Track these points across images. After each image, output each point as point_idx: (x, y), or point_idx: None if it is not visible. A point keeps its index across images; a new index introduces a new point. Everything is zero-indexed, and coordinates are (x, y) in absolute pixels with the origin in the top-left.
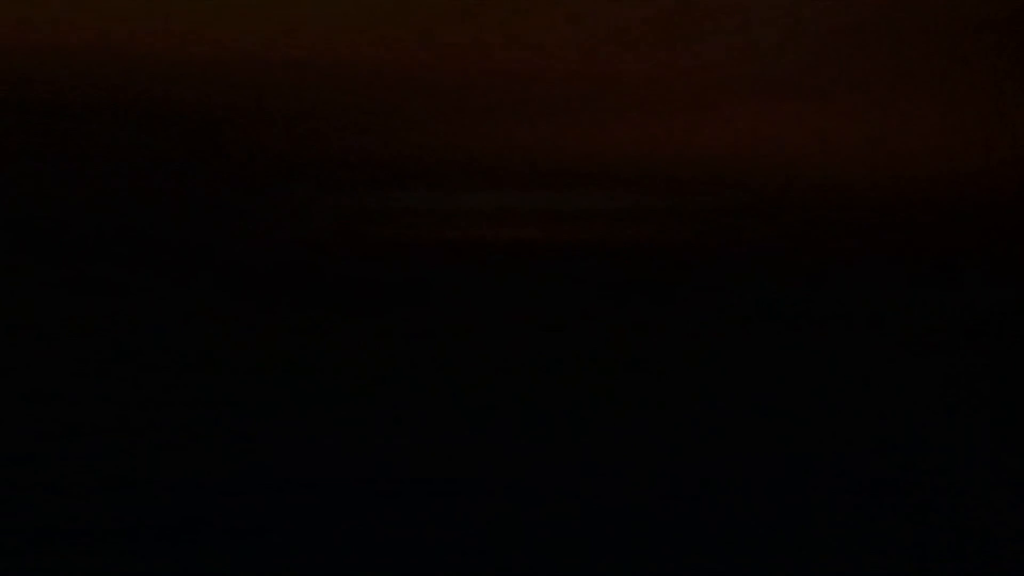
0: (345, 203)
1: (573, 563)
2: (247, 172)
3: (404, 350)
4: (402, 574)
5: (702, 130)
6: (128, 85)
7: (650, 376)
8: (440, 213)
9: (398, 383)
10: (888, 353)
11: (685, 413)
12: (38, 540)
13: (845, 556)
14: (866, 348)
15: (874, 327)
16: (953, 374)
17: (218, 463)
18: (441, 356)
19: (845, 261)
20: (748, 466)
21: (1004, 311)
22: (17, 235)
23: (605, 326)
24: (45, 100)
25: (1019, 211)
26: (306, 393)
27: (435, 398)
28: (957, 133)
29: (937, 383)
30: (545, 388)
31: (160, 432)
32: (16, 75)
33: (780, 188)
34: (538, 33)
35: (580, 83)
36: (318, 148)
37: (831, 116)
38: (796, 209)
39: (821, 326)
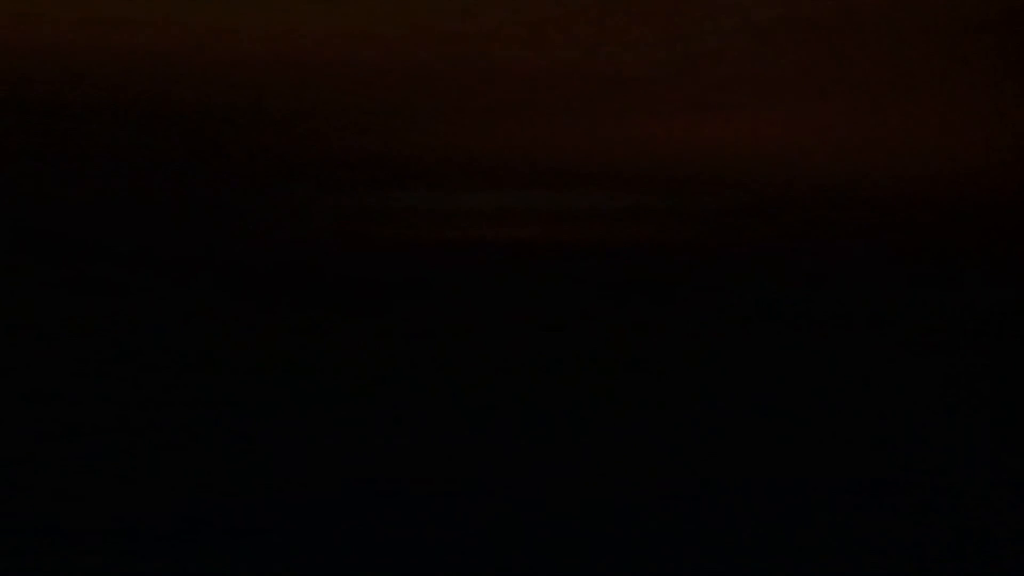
0: (345, 203)
1: (573, 563)
2: (247, 172)
3: (404, 350)
4: (402, 574)
5: (702, 130)
6: (128, 85)
7: (650, 376)
8: (440, 213)
9: (398, 383)
10: (888, 353)
11: (685, 413)
12: (38, 540)
13: (845, 556)
14: (866, 348)
15: (874, 327)
16: (953, 374)
17: (218, 463)
18: (441, 356)
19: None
20: (748, 466)
21: (1004, 311)
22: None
23: (605, 326)
24: (45, 100)
25: (1019, 211)
26: (306, 393)
27: (435, 398)
28: (958, 133)
29: (937, 383)
30: (545, 388)
31: (160, 432)
32: (16, 75)
33: (780, 188)
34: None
35: (580, 83)
36: (318, 148)
37: (831, 116)
38: (796, 209)
39: (821, 326)
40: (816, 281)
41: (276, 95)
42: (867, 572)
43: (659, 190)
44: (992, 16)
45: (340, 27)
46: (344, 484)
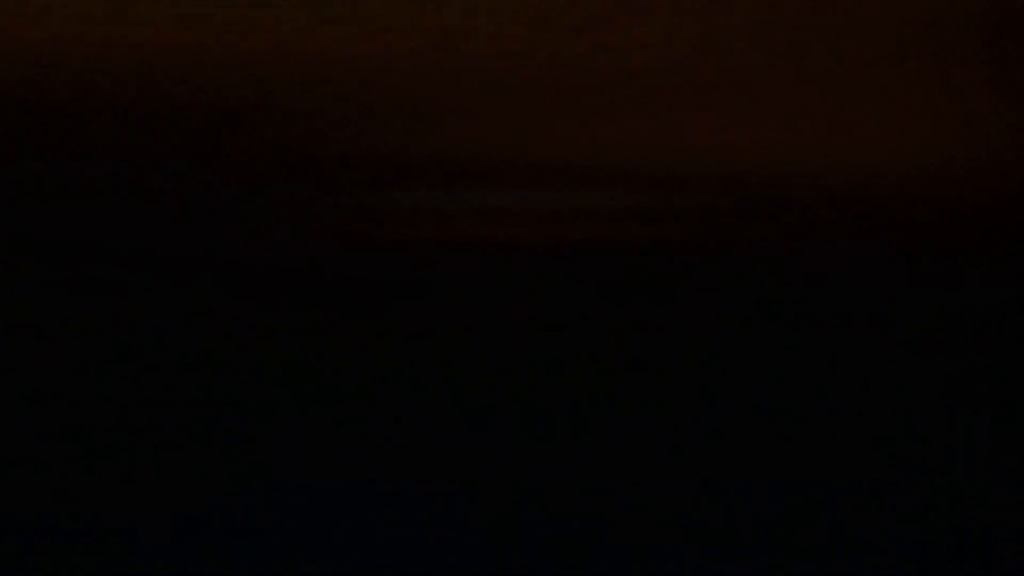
0: (345, 203)
1: (573, 563)
2: (247, 171)
3: (404, 350)
4: (402, 574)
5: (702, 130)
6: (128, 85)
7: (650, 376)
8: (440, 213)
9: (398, 383)
10: (888, 353)
11: (685, 412)
12: (38, 540)
13: (845, 556)
14: (866, 348)
15: (874, 327)
16: (953, 374)
17: (218, 463)
18: (441, 356)
19: (845, 261)
20: (748, 465)
21: (1004, 311)
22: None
23: (605, 326)
24: (45, 100)
25: (1019, 211)
26: (306, 393)
27: (435, 398)
28: (958, 133)
29: (937, 383)
30: (545, 388)
31: (160, 432)
32: (16, 75)
33: (780, 188)
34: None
35: (580, 83)
36: (318, 148)
37: (831, 116)
38: (796, 209)
39: (821, 326)
40: (816, 281)
41: (277, 94)
42: (867, 572)
43: (659, 190)
44: (993, 15)
45: (340, 25)
46: (344, 484)
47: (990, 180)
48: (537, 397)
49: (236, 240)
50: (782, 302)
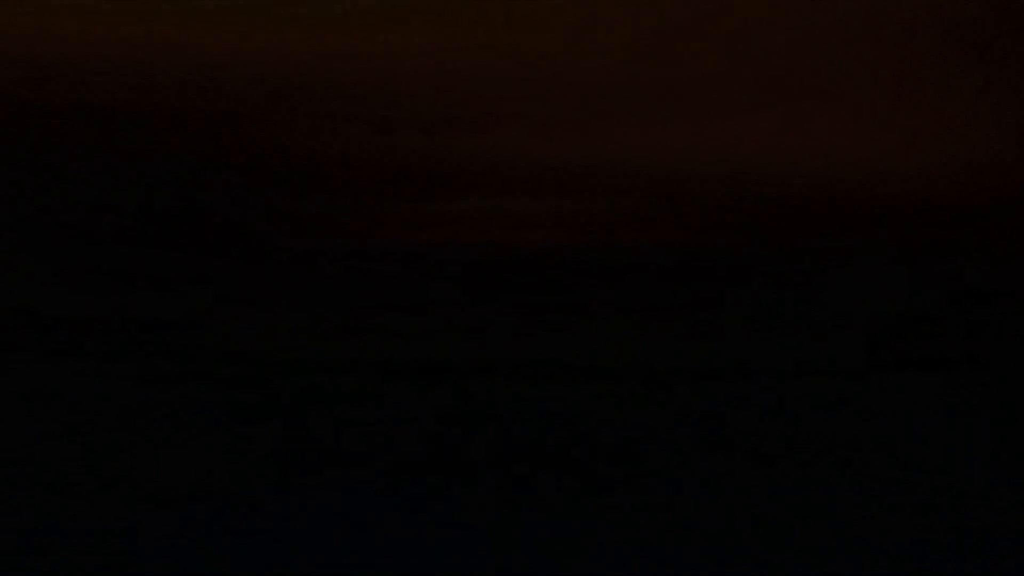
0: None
1: (573, 563)
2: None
3: (404, 350)
4: (402, 574)
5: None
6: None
7: (650, 375)
8: (440, 213)
9: (398, 383)
10: (888, 353)
11: (685, 412)
12: (38, 540)
13: (845, 556)
14: (866, 348)
15: (874, 327)
16: (953, 374)
17: (219, 463)
18: (441, 356)
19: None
20: (747, 464)
21: (1004, 311)
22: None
23: (605, 326)
24: (46, 100)
25: (1019, 211)
26: (306, 393)
27: (435, 397)
28: (958, 132)
29: (937, 383)
30: (545, 388)
31: (160, 432)
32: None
33: (780, 188)
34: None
35: (581, 89)
36: (322, 150)
37: (831, 116)
38: (796, 209)
39: (821, 326)
40: (816, 281)
41: (278, 95)
42: (867, 572)
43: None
44: (992, 15)
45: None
46: (344, 484)
47: (990, 180)
48: (537, 396)
49: (238, 240)
50: (782, 302)
